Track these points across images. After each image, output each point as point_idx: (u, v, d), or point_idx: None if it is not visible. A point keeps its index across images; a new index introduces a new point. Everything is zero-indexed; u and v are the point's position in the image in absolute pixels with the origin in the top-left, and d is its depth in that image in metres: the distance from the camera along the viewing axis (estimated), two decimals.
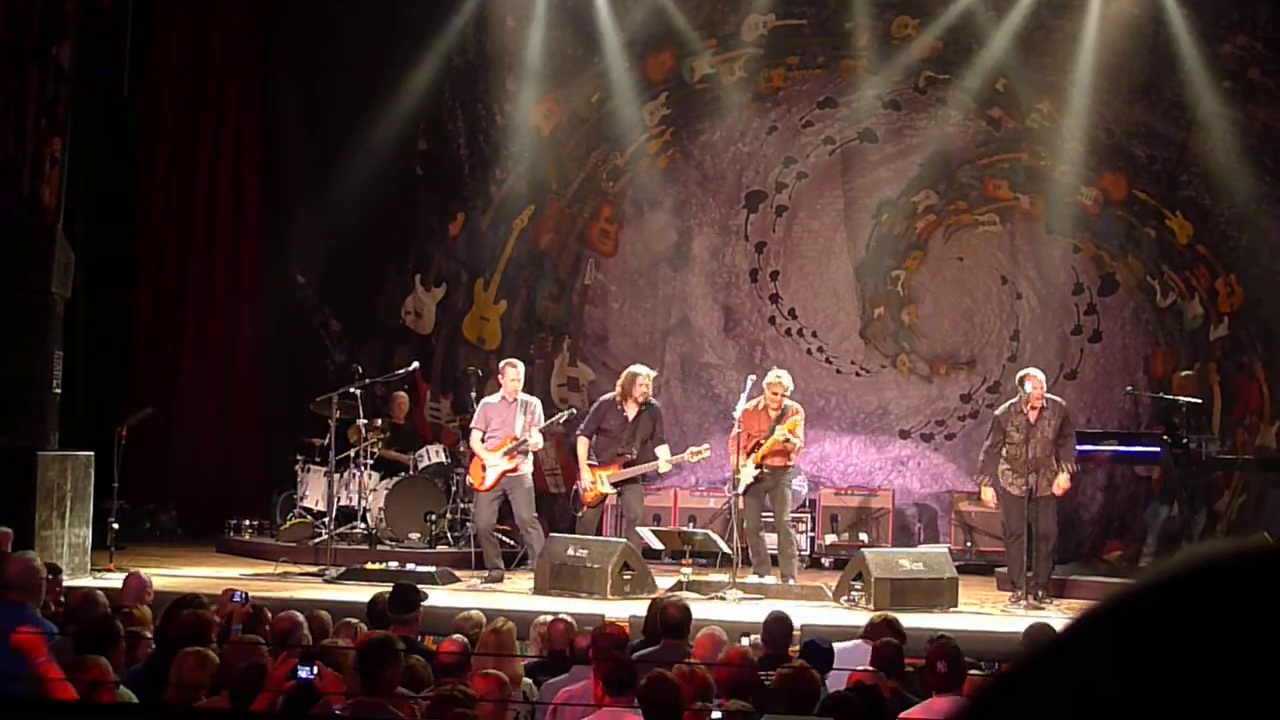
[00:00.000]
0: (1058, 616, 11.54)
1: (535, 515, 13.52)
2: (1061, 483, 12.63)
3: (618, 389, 13.57)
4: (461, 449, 14.76)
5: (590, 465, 13.39)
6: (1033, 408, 12.60)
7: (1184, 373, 15.67)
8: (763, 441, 12.78)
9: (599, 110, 17.43)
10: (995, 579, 13.68)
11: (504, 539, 14.19)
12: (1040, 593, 12.47)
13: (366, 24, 17.35)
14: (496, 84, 17.55)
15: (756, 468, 12.81)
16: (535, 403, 13.71)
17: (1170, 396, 15.00)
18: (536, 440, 13.45)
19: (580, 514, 13.60)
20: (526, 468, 13.47)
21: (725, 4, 17.08)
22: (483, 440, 13.49)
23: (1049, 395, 12.89)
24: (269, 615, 8.29)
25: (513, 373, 13.62)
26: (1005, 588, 13.05)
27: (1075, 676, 1.01)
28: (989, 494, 12.93)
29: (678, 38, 17.14)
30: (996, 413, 13.12)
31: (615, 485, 13.32)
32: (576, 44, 17.27)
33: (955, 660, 7.27)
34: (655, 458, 13.28)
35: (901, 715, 6.88)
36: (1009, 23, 16.34)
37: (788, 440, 12.85)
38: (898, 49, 16.81)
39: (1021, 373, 12.97)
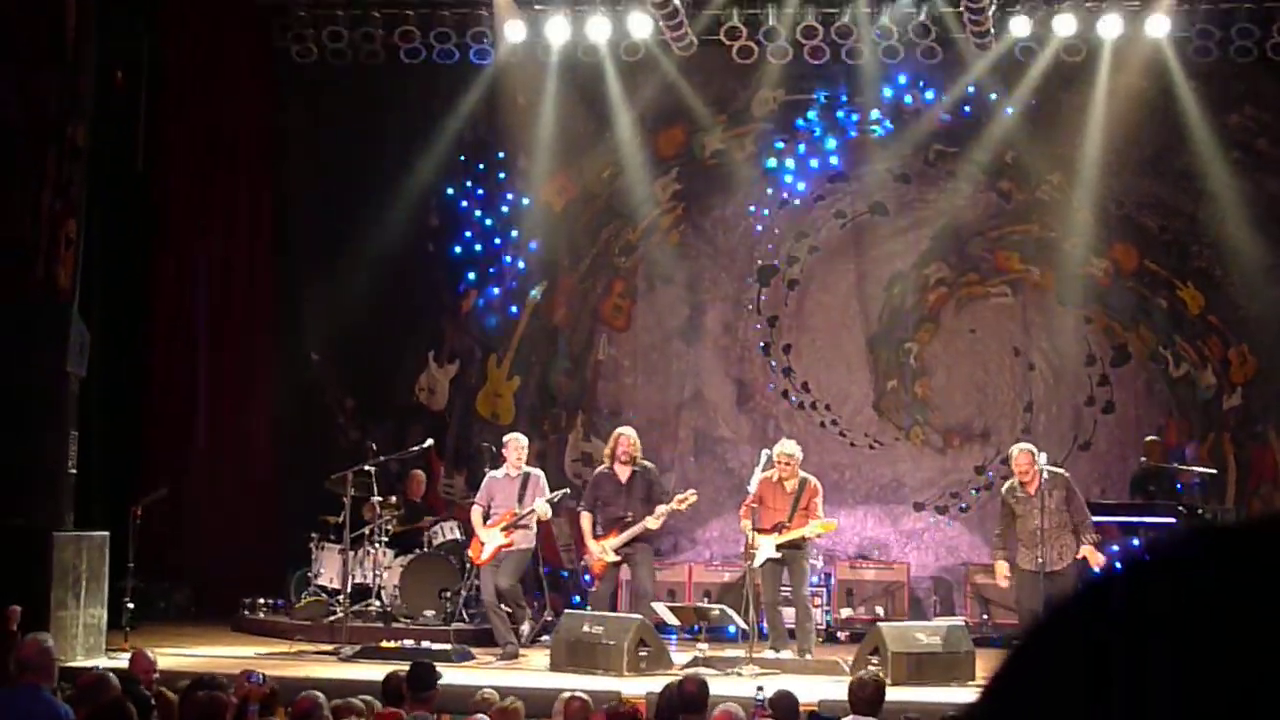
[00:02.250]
0: None
1: (517, 584, 13.46)
2: (1089, 555, 12.36)
3: (605, 454, 13.65)
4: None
5: (595, 537, 13.40)
6: (1024, 481, 12.49)
7: (1150, 437, 15.61)
8: (785, 523, 12.74)
9: (610, 186, 17.51)
10: None
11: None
12: None
13: (378, 101, 17.45)
14: (508, 160, 17.65)
15: (777, 549, 12.77)
16: (539, 474, 13.73)
17: (1184, 467, 14.98)
18: (544, 510, 13.45)
19: (593, 589, 13.60)
20: (525, 542, 13.48)
21: (735, 80, 17.17)
22: (486, 515, 13.50)
23: (1049, 468, 12.68)
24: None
25: (516, 446, 13.66)
26: None
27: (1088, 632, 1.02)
28: (1002, 568, 12.72)
29: (688, 114, 17.24)
30: (1001, 492, 13.01)
31: (620, 551, 13.30)
32: (588, 120, 17.37)
33: None
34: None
35: None
36: (1018, 96, 16.43)
37: (818, 536, 13.05)
38: (907, 123, 16.90)
39: (1008, 450, 13.03)
